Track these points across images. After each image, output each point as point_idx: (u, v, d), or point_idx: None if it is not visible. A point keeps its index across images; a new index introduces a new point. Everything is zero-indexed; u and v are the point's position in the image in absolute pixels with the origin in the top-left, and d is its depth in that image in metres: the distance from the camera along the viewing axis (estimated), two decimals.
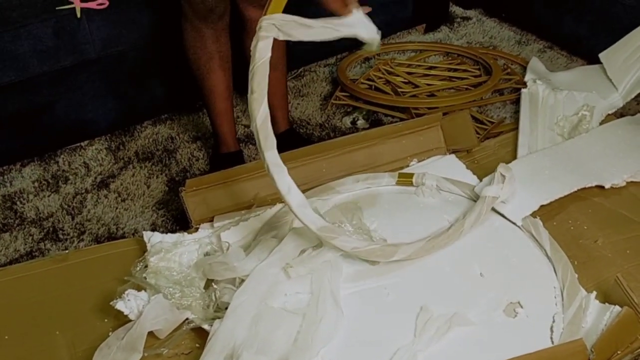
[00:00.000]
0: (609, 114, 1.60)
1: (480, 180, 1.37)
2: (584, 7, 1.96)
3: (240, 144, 1.70)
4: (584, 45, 1.98)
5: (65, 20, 1.60)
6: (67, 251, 1.34)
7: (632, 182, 1.36)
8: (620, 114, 1.63)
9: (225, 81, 1.54)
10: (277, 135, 1.67)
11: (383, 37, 2.18)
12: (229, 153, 1.62)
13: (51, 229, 1.50)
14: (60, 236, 1.48)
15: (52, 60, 1.63)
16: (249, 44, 1.53)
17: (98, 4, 1.62)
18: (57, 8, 1.59)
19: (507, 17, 2.25)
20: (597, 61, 1.81)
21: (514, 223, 1.26)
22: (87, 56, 1.67)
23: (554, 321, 1.06)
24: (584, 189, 1.33)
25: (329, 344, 1.03)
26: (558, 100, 1.63)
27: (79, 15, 1.59)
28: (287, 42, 1.57)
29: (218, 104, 1.56)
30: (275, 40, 1.53)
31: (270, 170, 1.12)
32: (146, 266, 1.19)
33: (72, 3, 1.60)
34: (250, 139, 1.76)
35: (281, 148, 1.61)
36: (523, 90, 1.74)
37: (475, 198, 1.33)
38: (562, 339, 1.03)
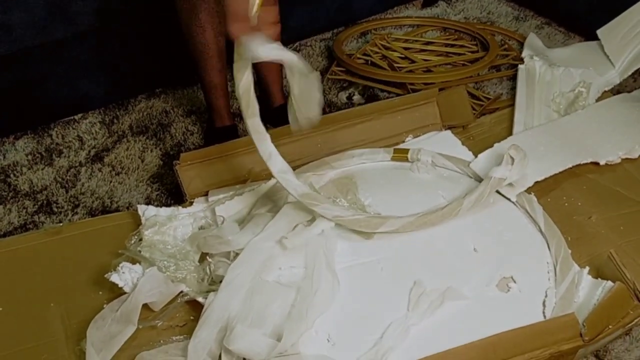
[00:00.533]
0: (605, 91, 1.60)
1: (476, 157, 1.37)
2: None
3: (235, 119, 1.69)
4: (581, 22, 1.96)
5: None
6: (61, 224, 1.34)
7: (627, 159, 1.36)
8: (617, 90, 1.63)
9: (218, 54, 1.53)
10: (273, 109, 1.69)
11: (380, 11, 2.18)
12: (223, 127, 1.62)
13: (45, 202, 1.49)
14: (55, 209, 1.47)
15: (44, 32, 1.61)
16: None
17: None
18: None
19: None
20: (595, 38, 1.80)
21: (508, 199, 1.26)
22: (80, 28, 1.65)
23: (546, 296, 1.07)
24: (579, 165, 1.33)
25: (324, 313, 1.03)
26: (555, 76, 1.63)
27: None
28: (281, 18, 1.56)
29: (212, 76, 1.55)
30: (270, 15, 1.52)
31: (253, 137, 1.14)
32: (141, 239, 1.19)
33: None
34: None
35: (277, 122, 1.61)
36: (520, 66, 1.73)
37: (470, 174, 1.34)
38: (554, 313, 1.04)
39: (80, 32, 1.65)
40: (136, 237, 1.20)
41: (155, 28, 1.76)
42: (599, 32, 1.78)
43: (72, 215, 1.46)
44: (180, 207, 1.29)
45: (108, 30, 1.69)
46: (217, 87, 1.56)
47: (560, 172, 1.31)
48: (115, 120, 1.74)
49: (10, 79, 1.63)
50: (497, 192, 1.28)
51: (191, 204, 1.32)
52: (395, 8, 2.21)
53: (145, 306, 1.08)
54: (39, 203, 1.49)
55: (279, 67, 1.67)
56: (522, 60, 1.76)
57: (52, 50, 1.64)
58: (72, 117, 1.75)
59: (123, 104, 1.79)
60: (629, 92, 1.60)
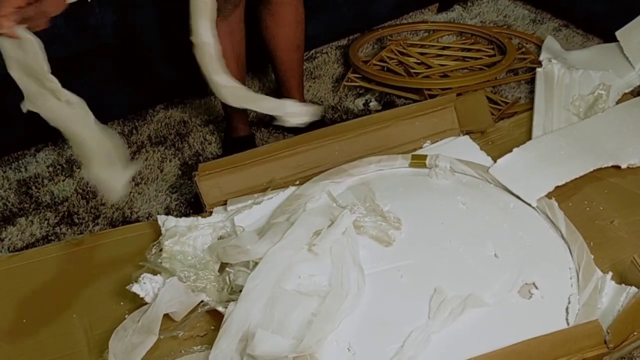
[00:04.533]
0: (625, 93, 1.58)
1: (495, 162, 1.36)
2: None
3: (252, 128, 1.70)
4: (600, 24, 1.94)
5: (75, 5, 1.59)
6: (82, 235, 1.36)
7: None
8: (637, 92, 1.61)
9: (239, 72, 1.54)
10: None
11: (395, 17, 2.18)
12: (241, 137, 1.62)
13: (66, 213, 1.51)
14: (76, 220, 1.49)
15: (63, 45, 1.62)
16: (271, 24, 1.53)
17: None
18: None
19: None
20: (614, 39, 1.78)
21: (528, 204, 1.25)
22: (98, 40, 1.66)
23: (569, 302, 1.06)
24: (600, 169, 1.32)
25: (350, 315, 1.03)
26: (574, 79, 1.61)
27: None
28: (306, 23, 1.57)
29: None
30: (296, 19, 1.53)
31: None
32: (161, 250, 1.19)
33: None
34: (261, 122, 1.76)
35: (296, 129, 1.61)
36: (538, 69, 1.71)
37: (490, 180, 1.33)
38: (577, 320, 1.03)
39: (99, 44, 1.67)
40: (156, 247, 1.21)
41: (174, 39, 1.78)
42: (617, 33, 1.76)
43: (93, 226, 1.47)
44: (199, 217, 1.30)
45: (125, 42, 1.71)
46: None
47: (581, 177, 1.29)
48: (134, 131, 1.75)
49: None
50: (517, 197, 1.27)
51: (210, 213, 1.33)
52: (411, 13, 2.20)
53: (167, 316, 1.09)
54: (60, 214, 1.51)
55: (302, 72, 1.67)
56: (540, 64, 1.75)
57: (71, 63, 1.66)
58: None
59: (142, 114, 1.81)
60: None
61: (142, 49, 1.75)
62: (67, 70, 1.66)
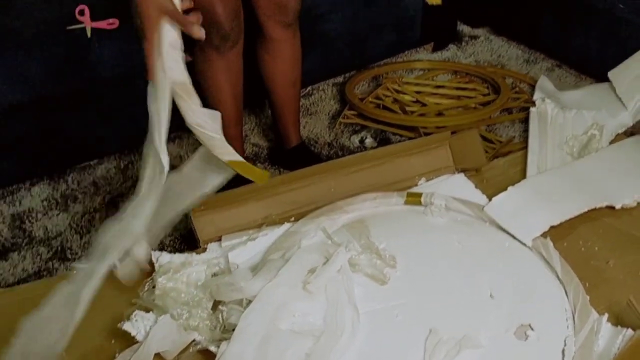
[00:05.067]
0: (618, 133, 1.59)
1: (490, 200, 1.36)
2: (591, 26, 1.95)
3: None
4: (592, 64, 1.97)
5: (76, 40, 1.61)
6: (74, 271, 1.34)
7: None
8: (630, 132, 1.62)
9: (235, 109, 1.55)
10: (289, 150, 1.70)
11: (391, 55, 2.21)
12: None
13: (59, 248, 1.50)
14: (69, 255, 1.48)
15: (62, 80, 1.64)
16: (268, 60, 1.55)
17: (108, 24, 1.63)
18: (67, 28, 1.60)
19: (515, 35, 2.25)
20: (606, 79, 1.81)
21: (523, 243, 1.25)
22: (98, 76, 1.68)
23: (565, 344, 1.05)
24: (595, 209, 1.32)
25: (345, 354, 1.02)
26: (567, 119, 1.63)
27: (89, 35, 1.61)
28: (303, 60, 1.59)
29: (227, 129, 1.56)
30: (293, 56, 1.55)
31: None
32: (154, 286, 1.18)
33: (83, 23, 1.61)
34: (258, 158, 1.77)
35: (292, 164, 1.62)
36: (532, 109, 1.73)
37: (485, 218, 1.33)
38: None
39: (97, 79, 1.69)
40: (149, 284, 1.19)
41: None
42: (610, 74, 1.79)
43: None
44: (194, 254, 1.29)
45: (124, 77, 1.73)
46: (232, 138, 1.58)
47: (576, 216, 1.30)
48: (130, 166, 1.75)
49: (28, 126, 1.65)
50: (512, 236, 1.26)
51: (205, 249, 1.32)
52: (407, 52, 2.23)
53: (158, 356, 1.07)
54: (54, 249, 1.50)
55: (298, 108, 1.68)
56: (533, 103, 1.77)
57: (70, 98, 1.68)
58: (88, 163, 1.77)
59: (138, 149, 1.81)
60: None
61: (141, 85, 1.76)
62: (65, 104, 1.68)
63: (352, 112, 1.90)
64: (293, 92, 1.63)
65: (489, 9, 2.32)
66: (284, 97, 1.63)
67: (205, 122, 1.03)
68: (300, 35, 1.56)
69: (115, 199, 1.64)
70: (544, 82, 1.91)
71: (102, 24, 1.62)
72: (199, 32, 0.97)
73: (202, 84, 1.49)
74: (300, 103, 1.96)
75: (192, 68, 1.47)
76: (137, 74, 1.74)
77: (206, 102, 1.51)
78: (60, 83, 1.64)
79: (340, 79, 2.10)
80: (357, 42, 2.09)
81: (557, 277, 1.17)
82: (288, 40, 1.52)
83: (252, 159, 1.76)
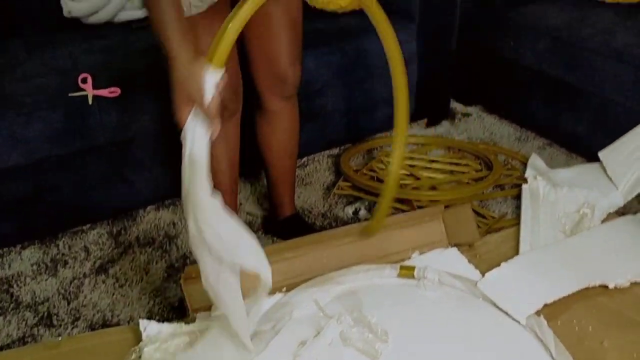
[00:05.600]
0: (610, 213, 1.61)
1: (483, 275, 1.36)
2: (581, 107, 2.01)
3: None
4: (582, 144, 2.01)
5: (76, 107, 1.64)
6: (60, 338, 1.31)
7: (636, 282, 1.34)
8: (621, 212, 1.64)
9: (231, 178, 1.56)
10: (283, 220, 1.70)
11: (386, 129, 2.25)
12: None
13: (46, 313, 1.47)
14: (55, 322, 1.45)
15: (61, 144, 1.66)
16: (266, 130, 1.57)
17: (110, 92, 1.67)
18: (70, 95, 1.64)
19: (506, 114, 2.31)
20: (597, 159, 1.84)
21: (517, 321, 1.24)
22: (96, 141, 1.70)
23: None
24: (588, 288, 1.31)
25: None
26: (559, 196, 1.64)
27: (90, 102, 1.64)
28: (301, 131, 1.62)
29: (222, 197, 1.57)
30: (291, 128, 1.58)
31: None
32: (140, 357, 1.15)
33: (85, 90, 1.65)
34: (252, 226, 1.76)
35: (286, 234, 1.62)
36: (524, 185, 1.75)
37: (478, 294, 1.32)
38: None
39: (95, 144, 1.70)
40: (136, 353, 1.16)
41: (168, 143, 1.82)
42: (600, 154, 1.82)
43: (72, 328, 1.43)
44: (182, 324, 1.27)
45: (122, 144, 1.75)
46: (227, 206, 1.58)
47: (569, 295, 1.29)
48: (122, 232, 1.75)
49: (23, 189, 1.66)
50: (506, 313, 1.25)
51: (194, 319, 1.30)
52: None
53: None
54: (40, 315, 1.47)
55: (294, 179, 1.70)
56: (525, 180, 1.79)
57: (66, 161, 1.69)
58: (80, 228, 1.76)
59: (132, 214, 1.81)
60: (633, 214, 1.61)
61: (137, 151, 1.78)
62: (62, 167, 1.69)
63: (347, 183, 1.92)
64: (289, 163, 1.65)
65: (481, 88, 2.39)
66: (280, 167, 1.64)
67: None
68: (298, 108, 1.59)
69: (105, 265, 1.63)
70: (536, 160, 1.94)
71: (104, 92, 1.66)
72: (214, 130, 1.04)
73: None
74: (296, 173, 1.99)
75: None
76: (134, 142, 1.76)
77: None
78: (58, 147, 1.65)
79: (335, 150, 2.13)
80: (353, 116, 2.14)
81: (551, 356, 1.15)
82: (286, 111, 1.56)
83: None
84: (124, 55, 1.86)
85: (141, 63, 1.78)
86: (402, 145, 1.33)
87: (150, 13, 1.09)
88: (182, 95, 1.03)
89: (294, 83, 1.50)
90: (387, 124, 2.29)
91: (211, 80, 1.00)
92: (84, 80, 1.66)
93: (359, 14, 2.06)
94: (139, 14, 2.12)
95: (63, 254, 1.67)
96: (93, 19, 2.09)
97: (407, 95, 1.29)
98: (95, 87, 1.66)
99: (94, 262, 1.64)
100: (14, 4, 2.03)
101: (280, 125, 1.57)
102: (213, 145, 1.48)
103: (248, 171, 1.94)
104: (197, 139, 1.03)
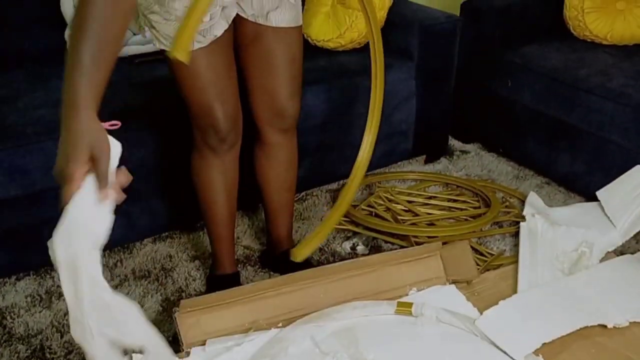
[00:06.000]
0: (608, 252, 1.61)
1: (481, 313, 1.34)
2: (578, 147, 2.02)
3: (239, 265, 1.69)
4: (580, 183, 2.02)
5: None
6: None
7: (635, 322, 1.33)
8: (620, 252, 1.63)
9: (229, 210, 1.56)
10: (280, 254, 1.70)
11: (384, 165, 2.26)
12: (225, 275, 1.61)
13: (39, 346, 1.45)
14: (47, 355, 1.43)
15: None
16: (264, 163, 1.58)
17: (111, 125, 1.67)
18: None
19: (504, 152, 2.32)
20: (595, 198, 1.84)
21: None
22: None
23: None
24: (587, 327, 1.30)
25: None
26: (557, 235, 1.64)
27: None
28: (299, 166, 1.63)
29: (219, 230, 1.57)
30: (289, 161, 1.58)
31: None
32: None
33: None
34: (248, 260, 1.76)
35: (283, 268, 1.61)
36: (522, 223, 1.75)
37: (476, 332, 1.30)
38: None
39: None
40: None
41: (166, 175, 1.82)
42: (598, 193, 1.82)
43: None
44: (177, 359, 1.25)
45: None
46: (224, 239, 1.58)
47: (568, 334, 1.28)
48: (119, 264, 1.74)
49: (20, 220, 1.65)
50: (504, 352, 1.24)
51: (188, 354, 1.28)
52: (399, 163, 2.29)
53: None
54: (32, 348, 1.45)
55: (292, 212, 1.70)
56: (523, 218, 1.79)
57: None
58: None
59: (129, 247, 1.81)
60: (632, 253, 1.61)
61: (135, 183, 1.78)
62: (58, 199, 1.69)
63: (345, 218, 1.92)
64: (287, 196, 1.65)
65: (480, 127, 2.41)
66: (278, 201, 1.64)
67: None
68: (297, 142, 1.60)
69: None
70: (534, 198, 1.94)
71: (105, 125, 1.66)
72: (105, 199, 0.90)
73: (195, 182, 1.51)
74: (294, 207, 1.99)
75: (187, 165, 1.50)
76: (133, 174, 1.76)
77: (200, 201, 1.53)
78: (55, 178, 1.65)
79: (334, 185, 2.13)
80: (352, 151, 2.14)
81: None
82: (285, 145, 1.57)
83: (242, 261, 1.75)
84: (126, 89, 1.88)
85: (142, 98, 1.79)
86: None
87: (70, 40, 0.90)
88: (82, 152, 0.87)
89: (292, 117, 1.51)
90: (386, 160, 2.32)
91: (116, 148, 0.90)
92: None
93: (358, 53, 2.10)
94: (142, 49, 2.15)
95: (58, 286, 1.65)
96: None
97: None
98: None
99: None
100: (17, 35, 2.06)
101: (279, 159, 1.58)
102: (211, 177, 1.50)
103: (246, 204, 1.94)
104: (87, 207, 0.90)
